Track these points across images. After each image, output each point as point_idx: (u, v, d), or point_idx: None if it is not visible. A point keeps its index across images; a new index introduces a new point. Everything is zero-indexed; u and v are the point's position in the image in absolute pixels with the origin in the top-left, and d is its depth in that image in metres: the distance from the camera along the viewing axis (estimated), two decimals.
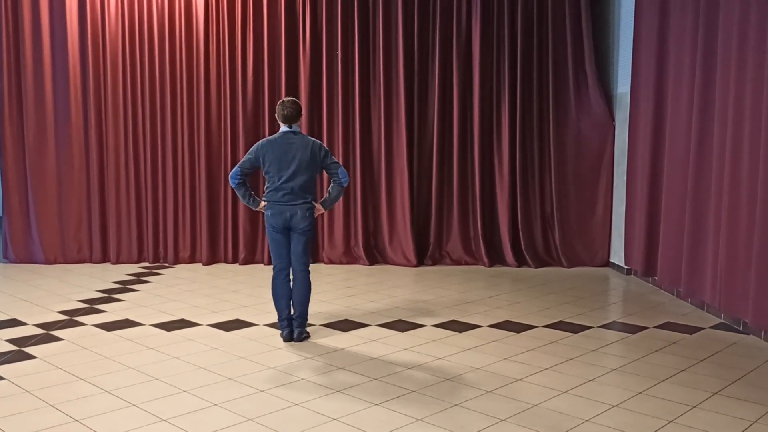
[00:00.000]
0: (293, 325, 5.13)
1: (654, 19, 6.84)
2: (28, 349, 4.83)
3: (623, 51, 7.78)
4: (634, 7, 7.37)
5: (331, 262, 8.27)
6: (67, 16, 8.02)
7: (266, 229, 5.17)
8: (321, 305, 6.13)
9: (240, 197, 5.20)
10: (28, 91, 8.06)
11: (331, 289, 6.84)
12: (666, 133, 6.64)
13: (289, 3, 8.18)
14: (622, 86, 7.80)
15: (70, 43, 8.06)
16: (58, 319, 5.67)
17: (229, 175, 5.19)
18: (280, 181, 5.02)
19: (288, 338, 5.08)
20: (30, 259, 8.24)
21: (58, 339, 5.10)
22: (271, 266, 5.21)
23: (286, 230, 5.09)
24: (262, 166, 5.10)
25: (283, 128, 5.12)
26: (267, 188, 5.11)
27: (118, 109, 8.18)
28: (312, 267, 5.56)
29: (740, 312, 5.30)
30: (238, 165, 5.17)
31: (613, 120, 8.04)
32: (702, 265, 5.90)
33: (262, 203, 5.14)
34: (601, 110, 8.05)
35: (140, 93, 8.22)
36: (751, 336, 5.21)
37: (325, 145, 5.53)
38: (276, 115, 5.16)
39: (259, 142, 5.18)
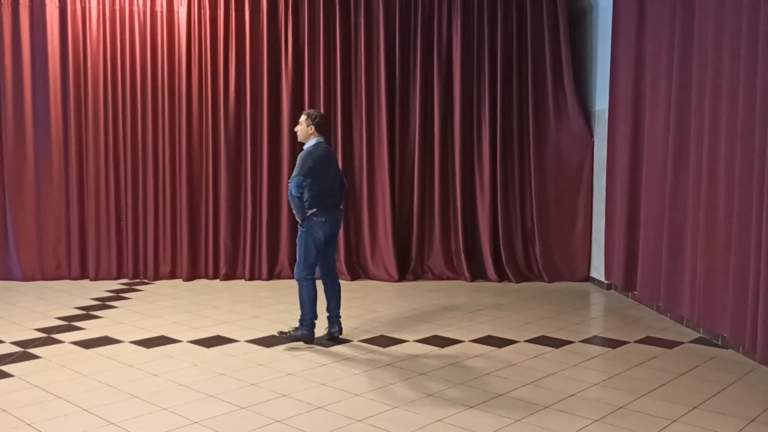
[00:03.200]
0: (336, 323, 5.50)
1: (631, 38, 6.96)
2: (5, 368, 4.75)
3: (601, 68, 7.90)
4: (611, 25, 7.49)
5: None
6: (48, 33, 7.99)
7: (310, 238, 5.24)
8: None
9: (297, 206, 5.20)
10: (7, 104, 7.99)
11: None
12: (644, 148, 6.73)
13: (271, 19, 8.22)
14: (601, 103, 7.90)
15: (51, 59, 8.02)
16: (35, 336, 5.59)
17: (296, 185, 5.11)
18: (326, 189, 5.24)
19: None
20: (7, 276, 8.12)
21: (35, 357, 5.02)
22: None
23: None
24: (315, 175, 5.20)
25: (319, 138, 5.34)
26: (314, 195, 5.19)
27: (98, 124, 8.13)
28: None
29: (718, 326, 5.36)
30: (299, 176, 5.12)
31: (592, 136, 8.14)
32: (680, 280, 5.97)
33: (309, 211, 5.23)
34: (580, 126, 8.14)
35: (121, 109, 8.19)
36: (729, 350, 5.27)
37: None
38: (315, 123, 5.32)
39: (314, 152, 5.25)
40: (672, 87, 6.09)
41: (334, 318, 5.51)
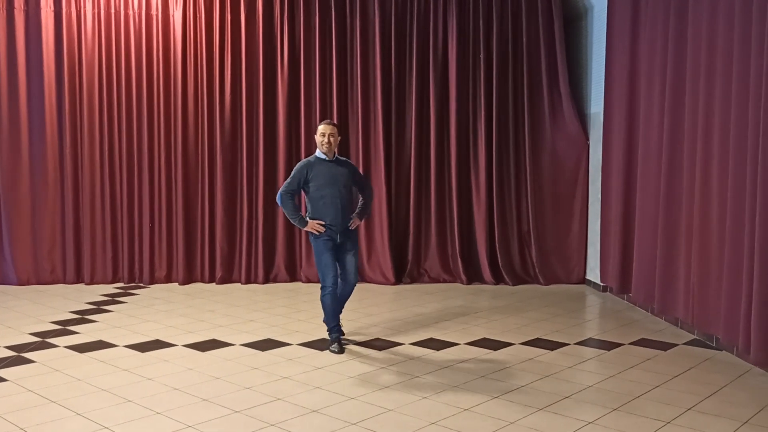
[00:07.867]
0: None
1: (625, 41, 6.97)
2: None
3: (596, 72, 7.92)
4: (606, 29, 7.51)
5: (309, 280, 8.25)
6: (43, 37, 7.99)
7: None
8: (299, 324, 6.10)
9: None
10: (2, 108, 7.99)
11: (309, 308, 6.81)
12: (638, 151, 6.75)
13: (266, 23, 8.22)
14: (596, 106, 7.92)
15: (46, 63, 8.01)
16: (29, 341, 5.58)
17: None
18: None
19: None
20: (2, 281, 8.10)
21: (29, 361, 5.01)
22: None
23: None
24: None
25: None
26: None
27: (93, 128, 8.12)
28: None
29: (712, 328, 5.37)
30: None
31: (587, 139, 8.16)
32: (675, 282, 5.98)
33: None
34: (575, 129, 8.16)
35: (117, 113, 8.18)
36: (723, 352, 5.28)
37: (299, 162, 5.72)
38: None
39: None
40: (666, 90, 6.11)
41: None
